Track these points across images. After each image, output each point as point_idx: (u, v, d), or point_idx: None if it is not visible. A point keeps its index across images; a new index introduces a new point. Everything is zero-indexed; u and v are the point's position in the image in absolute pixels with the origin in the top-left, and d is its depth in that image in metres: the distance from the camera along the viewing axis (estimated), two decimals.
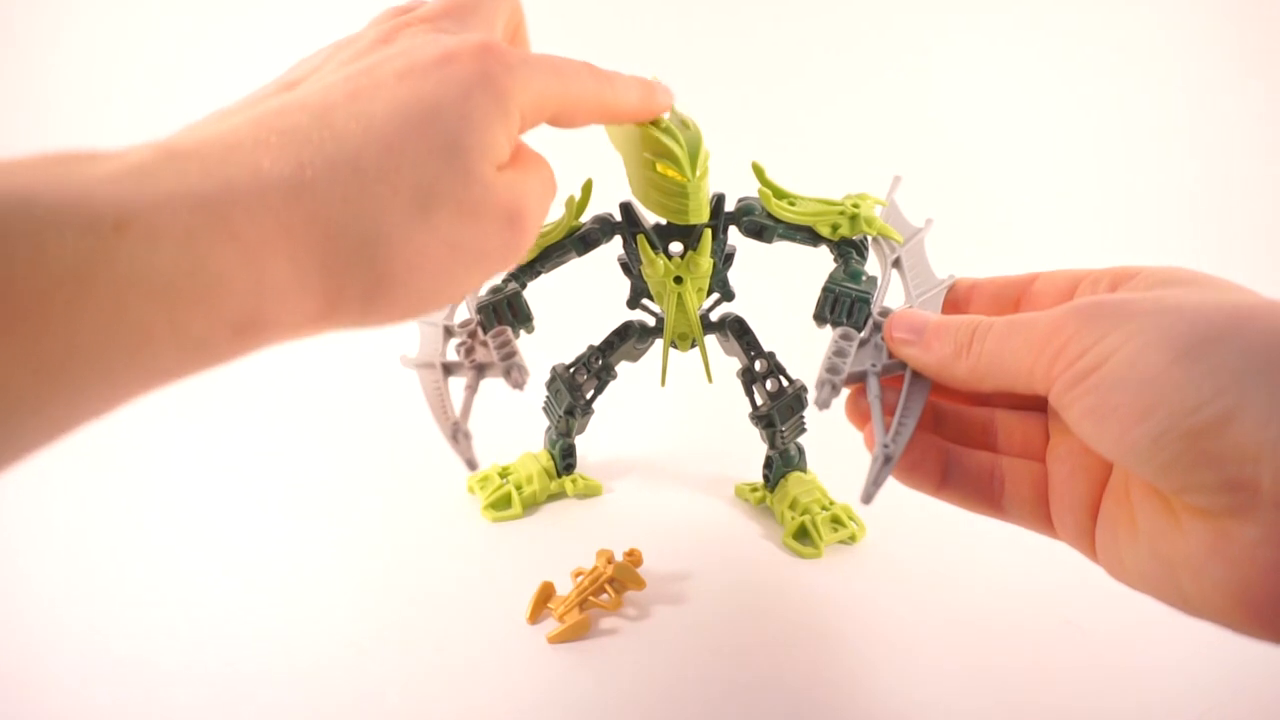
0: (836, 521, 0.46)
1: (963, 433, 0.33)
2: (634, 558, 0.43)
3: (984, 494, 0.31)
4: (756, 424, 0.48)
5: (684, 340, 0.46)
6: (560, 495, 0.52)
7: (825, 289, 0.40)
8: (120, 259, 0.18)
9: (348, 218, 0.21)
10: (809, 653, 0.38)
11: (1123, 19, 0.97)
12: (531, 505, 0.50)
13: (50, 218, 0.17)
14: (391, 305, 0.23)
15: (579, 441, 0.53)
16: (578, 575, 0.42)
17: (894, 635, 0.39)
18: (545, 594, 0.40)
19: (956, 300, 0.36)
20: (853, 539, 0.46)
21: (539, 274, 0.45)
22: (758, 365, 0.47)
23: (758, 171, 0.43)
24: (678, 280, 0.43)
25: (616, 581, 0.41)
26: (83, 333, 0.17)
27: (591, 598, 0.40)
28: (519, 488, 0.50)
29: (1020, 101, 0.98)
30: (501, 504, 0.49)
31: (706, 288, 0.44)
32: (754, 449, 0.50)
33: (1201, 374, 0.22)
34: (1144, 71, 0.98)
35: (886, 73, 0.97)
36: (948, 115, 0.98)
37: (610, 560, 0.41)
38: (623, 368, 0.51)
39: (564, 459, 0.52)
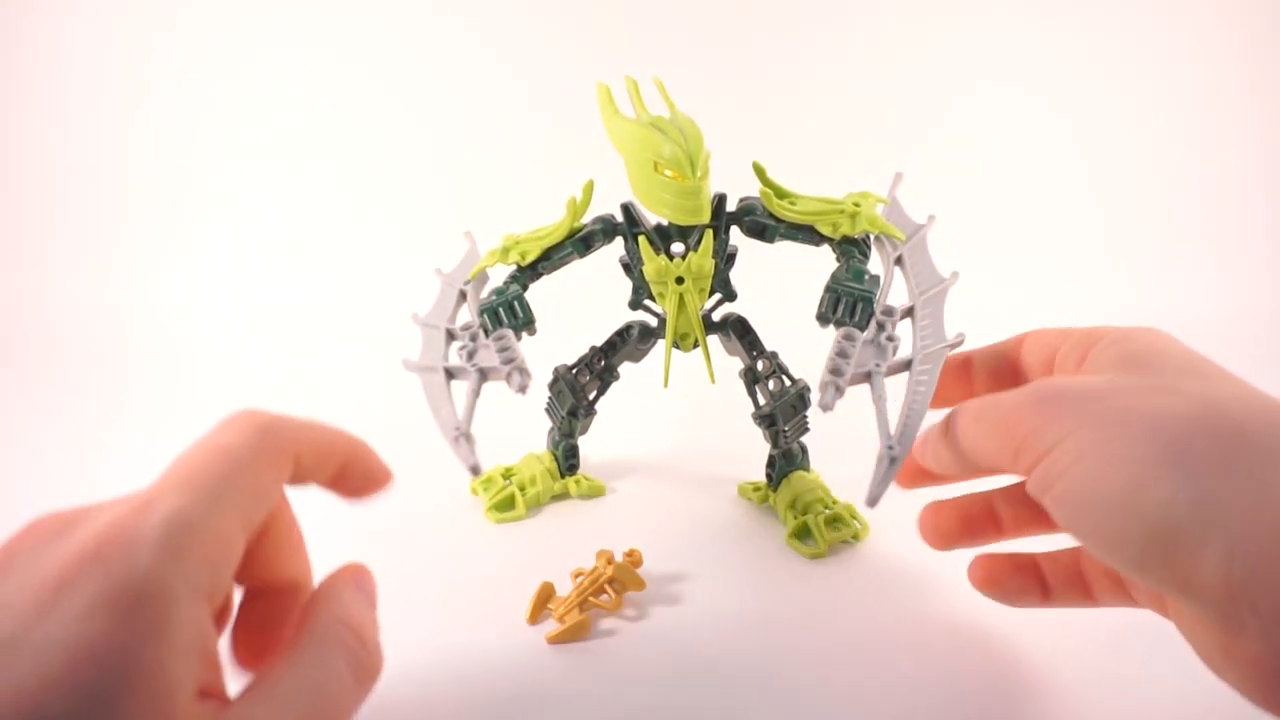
0: (839, 520, 0.46)
1: (1021, 523, 0.34)
2: (634, 558, 0.43)
3: (1081, 593, 0.33)
4: (759, 424, 0.48)
5: (686, 340, 0.46)
6: (564, 496, 0.52)
7: (828, 289, 0.40)
8: None
9: None
10: (811, 653, 0.38)
11: (1125, 15, 0.96)
12: (535, 506, 0.50)
13: None
14: None
15: (582, 442, 0.53)
16: (578, 576, 0.42)
17: (897, 635, 0.39)
18: (545, 594, 0.40)
19: (954, 372, 0.36)
20: (855, 538, 0.45)
21: (540, 276, 0.45)
22: (760, 365, 0.47)
23: (759, 171, 0.43)
24: (679, 281, 0.43)
25: (616, 582, 0.41)
26: None
27: (591, 598, 0.40)
28: (522, 489, 0.50)
29: (1022, 95, 0.98)
30: (505, 505, 0.49)
31: (708, 288, 0.44)
32: (756, 448, 0.50)
33: (1163, 504, 0.22)
34: (1146, 65, 0.97)
35: (887, 69, 0.97)
36: (948, 111, 0.97)
37: (610, 561, 0.41)
38: (625, 368, 0.51)
39: (567, 460, 0.52)
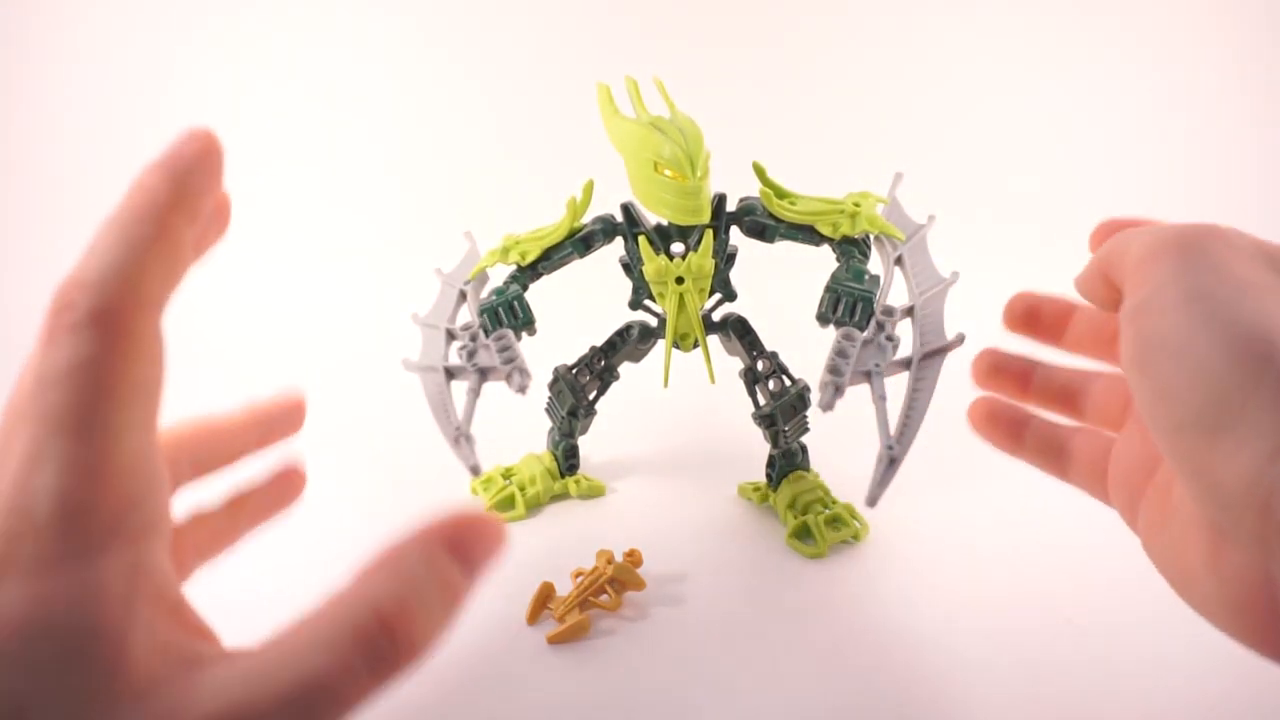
0: (838, 520, 0.45)
1: (1050, 394, 0.34)
2: (634, 558, 0.43)
3: (1053, 461, 0.33)
4: (759, 424, 0.48)
5: (686, 340, 0.46)
6: (564, 496, 0.52)
7: (828, 289, 0.40)
8: None
9: None
10: (810, 653, 0.38)
11: (1124, 14, 0.96)
12: (535, 506, 0.50)
13: None
14: None
15: (582, 442, 0.53)
16: (578, 576, 0.42)
17: (895, 635, 0.39)
18: (545, 594, 0.40)
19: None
20: (855, 538, 0.45)
21: (540, 276, 0.45)
22: (760, 365, 0.47)
23: (759, 171, 0.43)
24: (679, 281, 0.43)
25: (616, 582, 0.41)
26: None
27: (591, 598, 0.40)
28: (522, 489, 0.50)
29: (1021, 95, 0.97)
30: (505, 505, 0.49)
31: (708, 288, 0.44)
32: (756, 448, 0.50)
33: (1239, 379, 0.21)
34: (1146, 64, 0.97)
35: (887, 69, 0.97)
36: (948, 110, 0.97)
37: (610, 561, 0.41)
38: (625, 368, 0.51)
39: (567, 460, 0.52)
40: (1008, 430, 0.34)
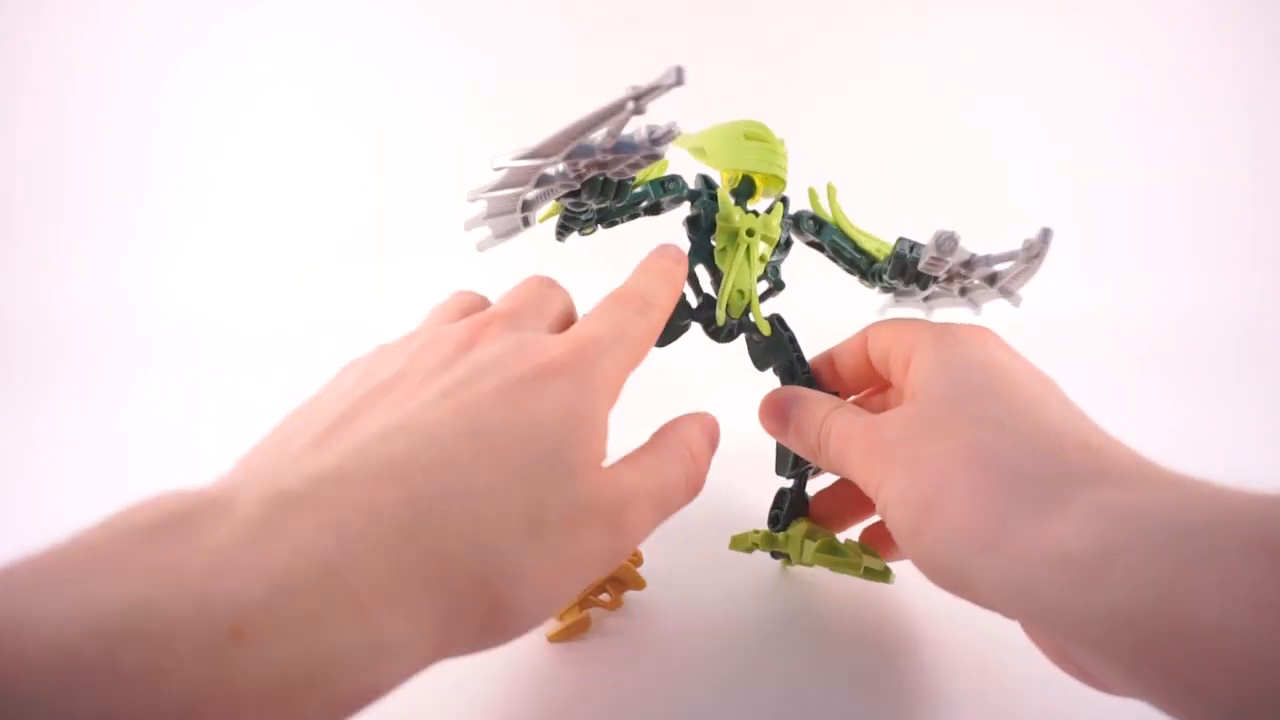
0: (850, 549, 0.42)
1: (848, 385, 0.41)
2: (634, 558, 0.41)
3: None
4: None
5: (738, 305, 0.42)
6: None
7: (896, 254, 0.38)
8: (237, 670, 0.16)
9: (462, 549, 0.21)
10: (811, 653, 0.36)
11: (1133, 21, 0.99)
12: None
13: (163, 638, 0.15)
14: (502, 632, 0.23)
15: None
16: None
17: (897, 635, 0.38)
18: None
19: (829, 372, 0.41)
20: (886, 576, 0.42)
21: (611, 217, 0.41)
22: (797, 364, 0.44)
23: (831, 192, 0.42)
24: (749, 233, 0.41)
25: (616, 581, 0.39)
26: None
27: (591, 597, 0.38)
28: None
29: (1022, 96, 1.00)
30: None
31: (772, 248, 0.42)
32: (757, 448, 0.46)
33: (948, 553, 0.27)
34: (1151, 70, 1.02)
35: (889, 68, 0.99)
36: (948, 111, 1.00)
37: None
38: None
39: None
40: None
